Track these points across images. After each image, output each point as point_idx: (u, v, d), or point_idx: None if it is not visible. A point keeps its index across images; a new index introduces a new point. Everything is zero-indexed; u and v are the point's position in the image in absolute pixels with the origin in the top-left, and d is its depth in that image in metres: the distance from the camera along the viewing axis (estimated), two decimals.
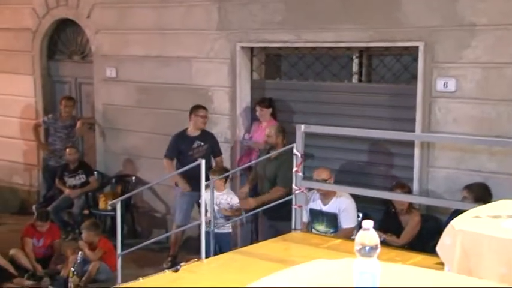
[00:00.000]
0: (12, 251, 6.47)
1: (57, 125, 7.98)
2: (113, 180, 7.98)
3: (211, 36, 7.01)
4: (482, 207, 3.03)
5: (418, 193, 5.66)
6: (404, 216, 5.44)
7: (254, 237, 6.51)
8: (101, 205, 7.61)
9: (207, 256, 4.27)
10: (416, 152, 5.80)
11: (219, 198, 5.99)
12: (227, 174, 6.13)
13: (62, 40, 8.62)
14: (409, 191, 5.48)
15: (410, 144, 5.82)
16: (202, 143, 6.55)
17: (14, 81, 8.80)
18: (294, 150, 4.72)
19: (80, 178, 7.71)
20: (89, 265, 6.12)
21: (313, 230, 5.47)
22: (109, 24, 7.86)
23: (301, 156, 4.70)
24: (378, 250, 1.84)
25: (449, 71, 5.61)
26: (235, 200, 6.07)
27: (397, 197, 5.28)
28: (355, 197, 5.29)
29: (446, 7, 5.56)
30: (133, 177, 7.79)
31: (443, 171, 5.69)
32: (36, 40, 8.58)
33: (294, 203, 4.77)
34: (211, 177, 5.88)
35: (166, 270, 3.84)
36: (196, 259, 4.08)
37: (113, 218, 7.29)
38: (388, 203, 5.51)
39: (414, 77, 5.86)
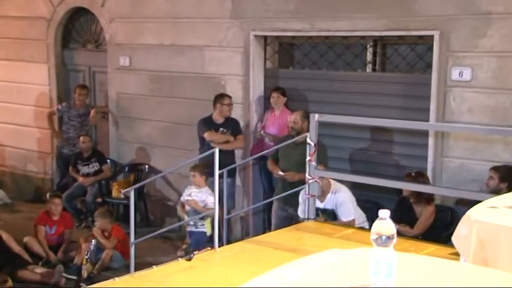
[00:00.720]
0: (26, 239, 6.51)
1: (71, 113, 8.00)
2: (126, 169, 8.00)
3: (225, 25, 6.97)
4: (499, 197, 2.98)
5: (432, 183, 5.60)
6: (418, 206, 5.38)
7: (267, 226, 6.50)
8: (114, 193, 7.64)
9: (220, 245, 4.26)
10: (431, 141, 5.75)
11: (195, 195, 6.03)
12: (236, 168, 6.11)
13: (76, 29, 8.62)
14: (427, 181, 5.39)
15: (425, 134, 5.76)
16: (224, 130, 6.58)
17: (28, 70, 8.83)
18: (308, 140, 4.68)
19: (94, 166, 7.73)
20: (103, 253, 6.14)
21: None
22: (123, 13, 7.84)
23: (315, 146, 4.66)
24: (394, 240, 1.81)
25: (465, 60, 5.53)
26: (210, 200, 5.92)
27: (412, 187, 5.21)
28: (368, 187, 5.24)
29: None
30: (146, 166, 7.80)
31: (457, 161, 5.63)
32: (50, 29, 8.58)
33: (306, 192, 4.74)
34: (191, 173, 5.94)
35: (180, 259, 3.82)
36: (209, 248, 4.07)
37: (126, 206, 7.32)
38: (401, 193, 5.45)
39: (429, 66, 5.80)
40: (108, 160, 7.98)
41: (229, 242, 5.53)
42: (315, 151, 4.67)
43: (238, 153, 6.78)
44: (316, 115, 4.68)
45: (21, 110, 9.01)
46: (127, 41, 7.85)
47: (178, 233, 6.99)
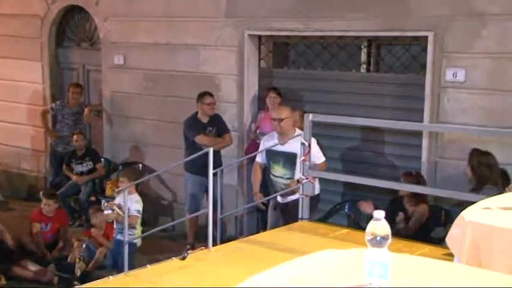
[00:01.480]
0: (22, 236, 6.49)
1: (64, 111, 7.96)
2: (120, 167, 7.96)
3: (219, 24, 6.96)
4: (493, 198, 2.99)
5: (426, 184, 5.60)
6: (410, 206, 5.39)
7: (261, 226, 6.49)
8: (108, 192, 7.60)
9: (214, 244, 4.25)
10: (425, 142, 5.76)
11: (119, 200, 5.55)
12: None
13: (71, 27, 8.59)
14: (419, 181, 5.40)
15: (419, 134, 5.77)
16: (211, 128, 6.52)
17: (22, 68, 8.79)
18: (301, 139, 4.68)
19: (87, 165, 7.70)
20: (96, 251, 6.12)
21: (271, 176, 5.41)
22: (118, 12, 7.81)
23: (308, 146, 4.66)
24: (389, 240, 1.81)
25: (459, 61, 5.54)
26: (134, 207, 5.57)
27: (406, 187, 5.22)
28: (363, 187, 5.25)
29: None
30: (140, 165, 7.78)
31: (451, 162, 5.64)
32: (44, 27, 8.55)
33: (300, 192, 4.74)
34: (120, 179, 5.74)
35: (174, 258, 3.82)
36: (203, 247, 4.06)
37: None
38: (397, 192, 5.45)
39: (423, 67, 5.80)
40: (102, 159, 7.96)
41: (222, 241, 5.52)
42: (309, 151, 4.67)
43: (232, 153, 6.76)
44: (311, 115, 4.69)
45: (15, 107, 8.97)
46: (121, 39, 7.83)
47: (172, 232, 6.98)
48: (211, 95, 6.59)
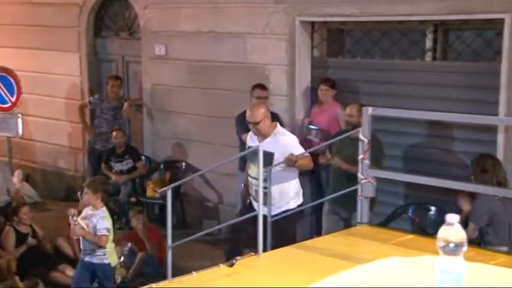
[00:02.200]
0: (58, 240, 6.67)
1: (103, 106, 8.12)
2: (162, 166, 8.08)
3: (268, 10, 6.96)
4: None
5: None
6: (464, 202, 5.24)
7: (315, 231, 6.46)
8: (149, 192, 7.72)
9: (264, 250, 4.25)
10: (500, 138, 5.62)
11: (87, 218, 5.31)
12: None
13: (109, 15, 8.75)
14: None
15: (493, 129, 5.64)
16: None
17: (58, 60, 9.00)
18: (360, 135, 4.62)
19: (127, 163, 7.83)
20: (136, 257, 6.22)
21: (249, 178, 5.58)
22: None
23: (368, 142, 4.60)
24: (465, 248, 1.76)
25: None
26: (102, 225, 5.27)
27: (479, 188, 5.07)
28: (428, 189, 5.14)
29: None
30: (183, 163, 7.87)
31: None
32: (83, 15, 8.73)
33: (359, 193, 4.68)
34: (84, 189, 5.44)
35: (221, 264, 3.83)
36: (252, 253, 4.07)
37: (161, 207, 7.42)
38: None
39: (498, 54, 5.66)
40: (143, 157, 8.08)
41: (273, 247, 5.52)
42: (368, 148, 4.61)
43: None
44: (370, 109, 4.62)
45: (51, 102, 9.20)
46: (162, 28, 7.92)
47: (218, 236, 7.03)
48: (262, 87, 6.61)
